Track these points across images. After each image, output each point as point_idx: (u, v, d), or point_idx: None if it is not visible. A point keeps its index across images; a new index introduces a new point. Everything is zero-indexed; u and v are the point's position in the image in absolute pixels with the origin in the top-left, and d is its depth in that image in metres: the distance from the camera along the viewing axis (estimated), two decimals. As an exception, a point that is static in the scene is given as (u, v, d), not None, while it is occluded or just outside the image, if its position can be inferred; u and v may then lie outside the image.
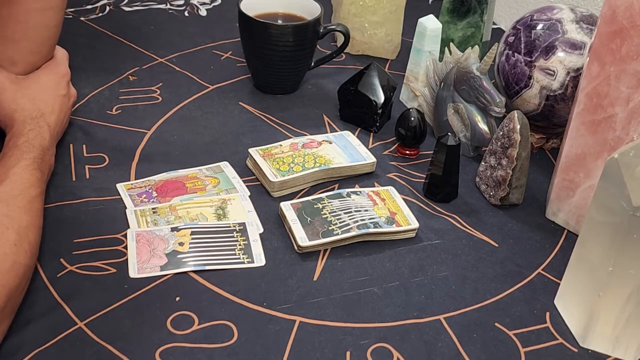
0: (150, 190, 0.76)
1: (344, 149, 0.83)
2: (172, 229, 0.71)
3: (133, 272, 0.66)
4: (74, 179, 0.77)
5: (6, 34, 0.76)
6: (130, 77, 0.97)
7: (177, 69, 1.00)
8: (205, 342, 0.61)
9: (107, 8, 1.15)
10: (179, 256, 0.68)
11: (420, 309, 0.66)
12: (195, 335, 0.61)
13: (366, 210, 0.74)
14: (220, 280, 0.67)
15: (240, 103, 0.94)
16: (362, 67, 0.92)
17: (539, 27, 0.84)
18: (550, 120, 0.87)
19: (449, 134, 0.77)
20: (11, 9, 0.74)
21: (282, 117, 0.92)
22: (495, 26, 1.22)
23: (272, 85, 0.96)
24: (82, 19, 1.11)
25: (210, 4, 1.20)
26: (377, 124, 0.90)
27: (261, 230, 0.73)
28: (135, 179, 0.79)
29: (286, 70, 0.94)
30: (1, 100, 0.74)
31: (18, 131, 0.72)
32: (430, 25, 0.90)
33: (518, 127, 0.75)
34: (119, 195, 0.76)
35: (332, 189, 0.80)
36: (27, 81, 0.77)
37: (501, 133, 0.77)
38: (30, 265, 0.61)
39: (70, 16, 1.11)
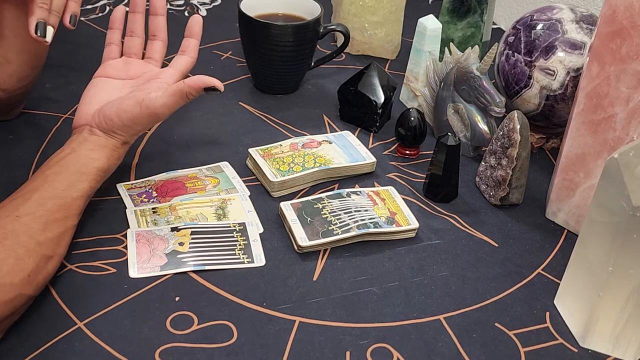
0: (150, 190, 0.76)
1: (344, 149, 0.83)
2: (172, 229, 0.71)
3: (133, 272, 0.66)
4: (73, 179, 0.77)
5: None
6: (130, 77, 0.97)
7: (177, 69, 1.00)
8: (204, 342, 0.61)
9: (107, 8, 1.15)
10: (178, 256, 0.68)
11: (420, 309, 0.66)
12: (195, 335, 0.61)
13: (366, 210, 0.74)
14: (220, 280, 0.67)
15: (240, 103, 0.94)
16: (362, 67, 0.92)
17: (539, 27, 0.84)
18: (550, 120, 0.87)
19: (449, 134, 0.77)
20: None
21: (282, 117, 0.92)
22: (495, 26, 1.22)
23: (272, 85, 0.96)
24: (82, 19, 1.11)
25: (210, 4, 1.20)
26: (377, 124, 0.90)
27: (261, 230, 0.73)
28: (135, 179, 0.79)
29: (286, 70, 0.94)
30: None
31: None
32: (430, 25, 0.90)
33: (518, 127, 0.75)
34: (119, 195, 0.76)
35: (332, 189, 0.80)
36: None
37: (501, 133, 0.77)
38: (33, 297, 0.59)
39: (70, 16, 1.11)
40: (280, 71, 0.94)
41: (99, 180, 0.68)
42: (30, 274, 0.57)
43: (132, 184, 0.78)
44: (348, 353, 0.61)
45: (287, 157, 0.81)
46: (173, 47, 1.05)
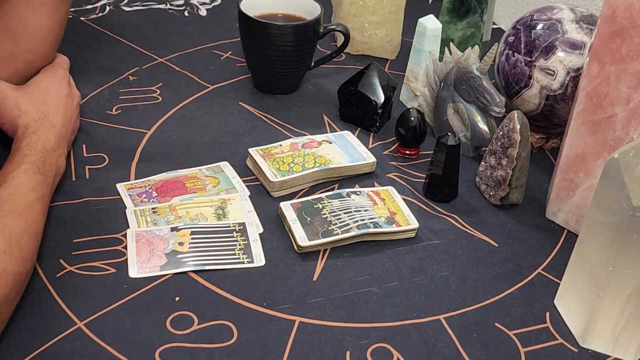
0: (150, 190, 0.76)
1: (344, 149, 0.83)
2: (172, 229, 0.71)
3: (133, 272, 0.66)
4: (74, 179, 0.77)
5: (5, 28, 0.76)
6: (130, 77, 0.97)
7: (177, 69, 1.00)
8: (205, 342, 0.61)
9: (107, 8, 1.15)
10: (178, 256, 0.68)
11: (420, 309, 0.66)
12: (195, 335, 0.61)
13: (366, 210, 0.74)
14: (220, 280, 0.67)
15: (240, 103, 0.94)
16: (362, 67, 0.92)
17: (539, 27, 0.84)
18: (550, 120, 0.87)
19: (449, 134, 0.77)
20: (7, 4, 0.75)
21: (282, 117, 0.92)
22: (495, 26, 1.22)
23: (272, 85, 0.96)
24: (82, 19, 1.11)
25: (210, 4, 1.20)
26: (377, 124, 0.90)
27: (261, 230, 0.73)
28: (135, 179, 0.79)
29: (286, 70, 0.94)
30: (4, 108, 0.74)
31: (22, 135, 0.72)
32: (430, 25, 0.90)
33: (518, 127, 0.75)
34: (119, 195, 0.76)
35: (332, 189, 0.80)
36: (28, 87, 0.78)
37: (501, 133, 0.77)
38: (22, 273, 0.59)
39: (70, 16, 1.11)
40: (280, 71, 0.94)
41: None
42: (6, 250, 0.58)
43: (132, 183, 0.78)
44: (348, 353, 0.61)
45: (287, 157, 0.81)
46: (173, 47, 1.06)
